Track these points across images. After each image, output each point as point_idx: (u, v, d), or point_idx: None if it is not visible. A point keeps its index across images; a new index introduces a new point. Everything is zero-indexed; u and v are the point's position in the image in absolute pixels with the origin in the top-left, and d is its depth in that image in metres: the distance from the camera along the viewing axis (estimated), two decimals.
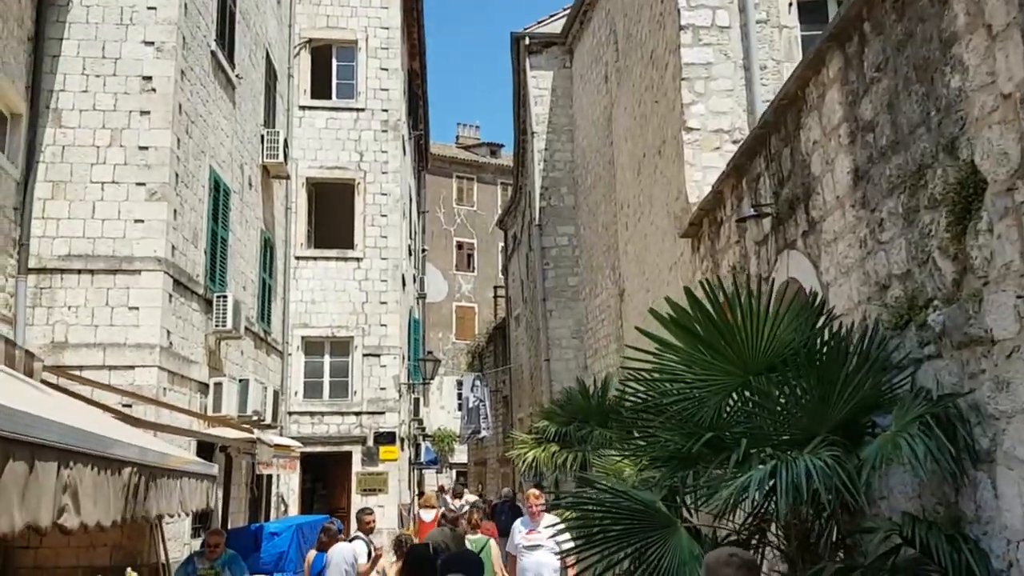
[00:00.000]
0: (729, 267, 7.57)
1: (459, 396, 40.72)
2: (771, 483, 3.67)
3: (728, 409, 4.42)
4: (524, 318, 26.46)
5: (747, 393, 4.41)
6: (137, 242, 10.75)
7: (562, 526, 4.40)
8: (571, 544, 6.08)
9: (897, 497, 4.38)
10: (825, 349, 4.18)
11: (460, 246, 43.18)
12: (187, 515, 5.39)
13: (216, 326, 12.34)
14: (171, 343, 11.02)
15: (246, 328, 14.07)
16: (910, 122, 4.34)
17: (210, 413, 11.99)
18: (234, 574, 9.51)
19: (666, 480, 4.25)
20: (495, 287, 38.35)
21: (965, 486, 3.79)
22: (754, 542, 4.47)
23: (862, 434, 4.24)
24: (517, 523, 9.13)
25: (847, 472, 3.62)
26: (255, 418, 13.07)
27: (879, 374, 4.15)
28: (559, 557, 7.90)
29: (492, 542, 10.72)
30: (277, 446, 11.76)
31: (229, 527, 12.48)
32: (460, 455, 39.92)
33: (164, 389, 10.78)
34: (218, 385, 12.22)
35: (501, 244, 37.82)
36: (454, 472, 39.93)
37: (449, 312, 42.54)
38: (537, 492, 9.10)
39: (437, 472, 36.76)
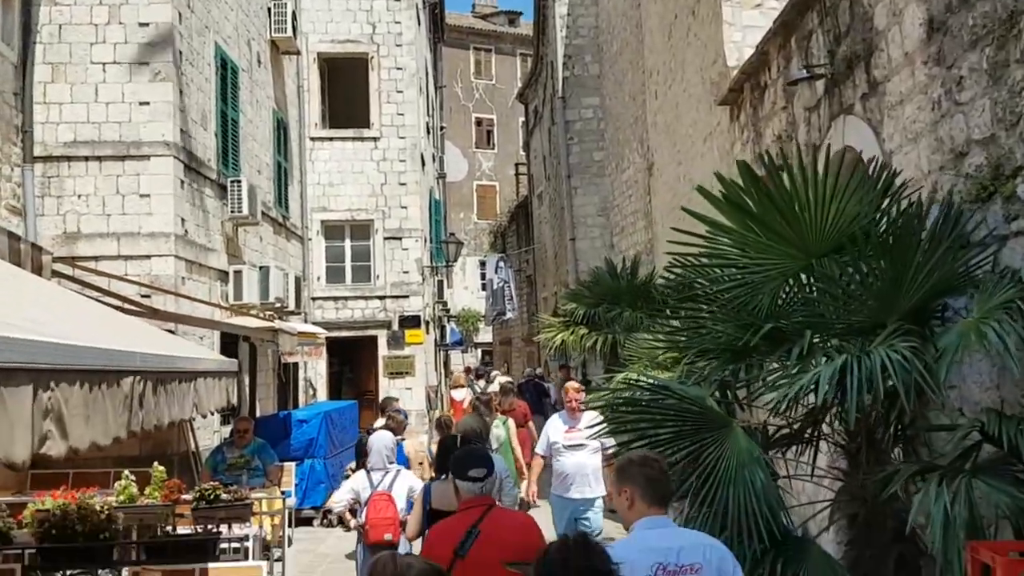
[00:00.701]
0: (774, 136, 7.02)
1: (482, 276, 40.61)
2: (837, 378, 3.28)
3: (784, 296, 4.01)
4: (547, 196, 25.89)
5: (806, 278, 3.99)
6: (144, 126, 10.31)
7: (604, 424, 4.02)
8: (612, 444, 5.76)
9: (970, 387, 3.99)
10: (898, 224, 3.72)
11: (479, 122, 42.13)
12: (204, 416, 5.20)
13: (232, 212, 11.98)
14: (186, 231, 10.69)
15: (263, 213, 13.70)
16: None
17: (231, 302, 11.78)
18: (264, 462, 9.47)
19: (716, 374, 3.88)
20: (516, 164, 37.60)
21: None
22: (807, 436, 4.13)
23: (930, 319, 3.83)
24: (554, 419, 7.94)
25: (926, 365, 3.22)
26: (278, 305, 12.87)
27: (956, 253, 3.70)
28: (604, 459, 7.20)
29: (510, 421, 10.76)
30: (301, 334, 11.55)
31: (258, 415, 12.45)
32: (485, 335, 40.10)
33: (182, 278, 10.53)
34: (238, 273, 11.96)
35: (522, 119, 36.78)
36: (479, 352, 40.24)
37: (470, 191, 41.93)
38: (577, 385, 7.97)
39: (463, 352, 37.00)
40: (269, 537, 8.51)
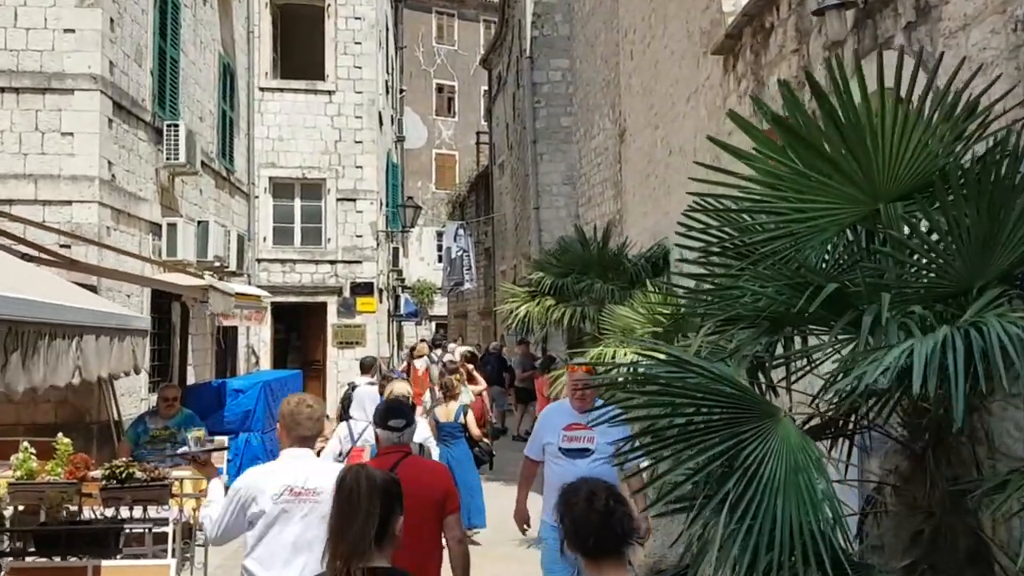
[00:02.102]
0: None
1: (439, 248, 39.57)
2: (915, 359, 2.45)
3: (829, 253, 3.17)
4: (509, 165, 24.95)
5: (860, 229, 3.16)
6: (68, 56, 9.21)
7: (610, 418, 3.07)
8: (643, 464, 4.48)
9: None
10: (988, 164, 2.89)
11: (440, 89, 40.84)
12: (94, 382, 4.30)
13: (167, 159, 10.89)
14: (114, 176, 9.62)
15: (204, 164, 12.60)
16: None
17: (164, 258, 10.70)
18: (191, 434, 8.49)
19: (748, 348, 3.03)
20: (478, 133, 36.49)
21: None
22: (850, 427, 3.32)
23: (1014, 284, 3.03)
24: (549, 412, 5.73)
25: None
26: (217, 264, 11.83)
27: None
28: (623, 471, 4.85)
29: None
30: (239, 295, 10.53)
31: (191, 383, 11.44)
32: (440, 308, 39.15)
33: (108, 229, 9.47)
34: (172, 226, 10.87)
35: (484, 87, 35.64)
36: (434, 325, 39.26)
37: (428, 160, 40.74)
38: (584, 364, 5.77)
39: (416, 324, 35.99)
40: (194, 520, 7.55)
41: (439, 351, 20.39)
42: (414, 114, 37.82)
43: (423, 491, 3.86)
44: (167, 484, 6.39)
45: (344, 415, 8.12)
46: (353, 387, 8.31)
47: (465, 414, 8.84)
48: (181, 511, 6.77)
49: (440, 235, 38.36)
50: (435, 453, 6.68)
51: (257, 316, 12.07)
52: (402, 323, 28.44)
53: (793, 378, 3.13)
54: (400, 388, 6.85)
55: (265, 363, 17.04)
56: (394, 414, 4.32)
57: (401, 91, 27.73)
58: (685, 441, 2.66)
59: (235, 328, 14.35)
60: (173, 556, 6.91)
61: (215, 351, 13.29)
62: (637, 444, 2.81)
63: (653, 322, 7.20)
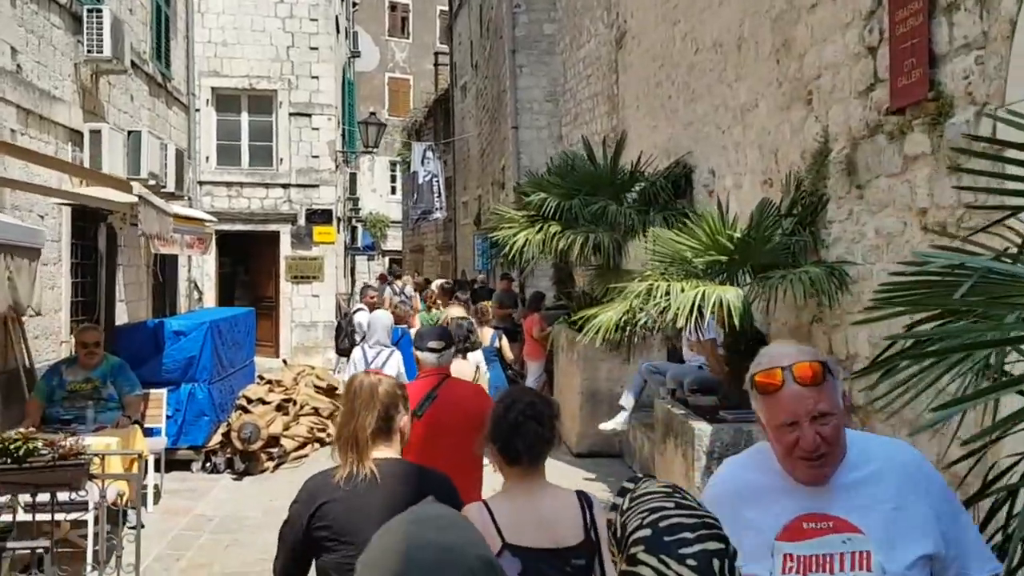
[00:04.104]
0: None
1: (392, 179, 37.51)
2: None
3: None
4: (475, 86, 23.03)
5: None
6: None
7: None
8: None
9: None
10: None
11: (393, 7, 38.24)
12: None
13: (89, 51, 8.95)
14: (19, 67, 7.74)
15: (135, 66, 10.63)
16: None
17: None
18: (119, 388, 6.83)
19: None
20: (436, 54, 34.24)
21: None
22: None
23: None
24: (729, 496, 1.96)
25: None
26: (152, 183, 9.97)
27: None
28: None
29: None
30: (179, 217, 8.72)
31: (122, 323, 9.66)
32: (394, 242, 37.26)
33: (12, 132, 7.60)
34: (96, 134, 9.00)
35: (441, 7, 33.40)
36: (387, 260, 37.42)
37: (381, 84, 38.35)
38: (808, 358, 1.87)
39: (369, 259, 34.12)
40: (125, 498, 5.89)
41: (399, 283, 18.87)
42: (365, 34, 35.34)
43: (463, 411, 3.92)
44: (83, 463, 4.72)
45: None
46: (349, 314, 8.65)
47: (500, 339, 9.19)
48: (104, 494, 5.10)
49: (394, 165, 36.34)
50: (483, 378, 6.66)
51: (200, 243, 10.25)
52: (356, 257, 26.60)
53: None
54: (455, 311, 7.19)
55: (210, 300, 15.20)
56: (433, 336, 4.31)
57: (354, 5, 25.46)
58: None
59: (175, 259, 12.50)
60: (95, 546, 5.34)
61: (151, 285, 11.47)
62: None
63: (719, 248, 5.65)
